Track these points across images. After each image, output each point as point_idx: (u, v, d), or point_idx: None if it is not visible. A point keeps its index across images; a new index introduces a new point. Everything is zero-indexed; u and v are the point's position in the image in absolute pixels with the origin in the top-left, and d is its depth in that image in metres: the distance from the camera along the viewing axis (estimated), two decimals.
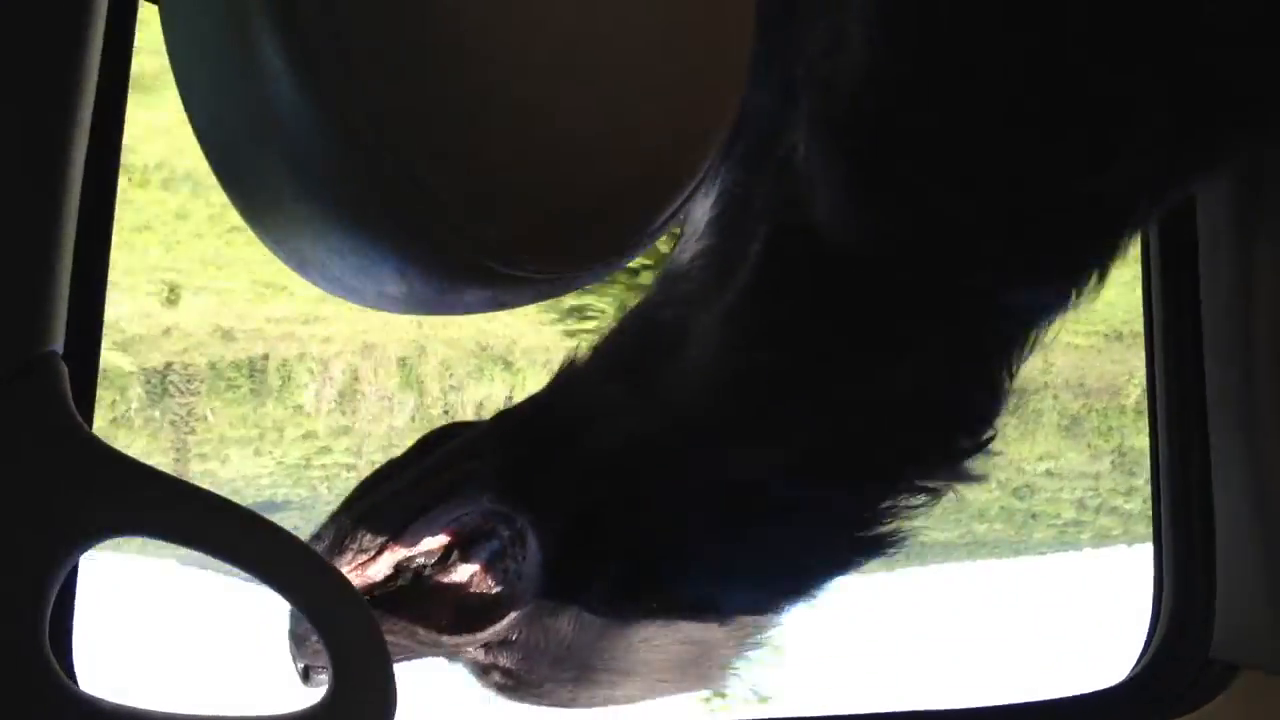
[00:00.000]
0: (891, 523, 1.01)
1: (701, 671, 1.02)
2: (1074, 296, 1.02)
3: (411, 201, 0.60)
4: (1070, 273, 1.01)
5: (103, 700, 0.78)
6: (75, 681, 0.81)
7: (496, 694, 0.99)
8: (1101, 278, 1.03)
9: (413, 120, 0.59)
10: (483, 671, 0.98)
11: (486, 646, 0.97)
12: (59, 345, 0.81)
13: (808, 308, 0.99)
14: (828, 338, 0.98)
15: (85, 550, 0.79)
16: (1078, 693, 1.32)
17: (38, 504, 0.77)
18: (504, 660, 0.97)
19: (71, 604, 1.01)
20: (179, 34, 0.66)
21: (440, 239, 0.62)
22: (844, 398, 0.99)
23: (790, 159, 1.01)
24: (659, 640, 0.99)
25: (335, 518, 0.94)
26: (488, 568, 0.92)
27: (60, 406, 0.78)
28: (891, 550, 1.02)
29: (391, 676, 0.79)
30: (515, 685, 0.98)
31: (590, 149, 0.64)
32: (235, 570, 0.79)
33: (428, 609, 0.92)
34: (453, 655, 0.97)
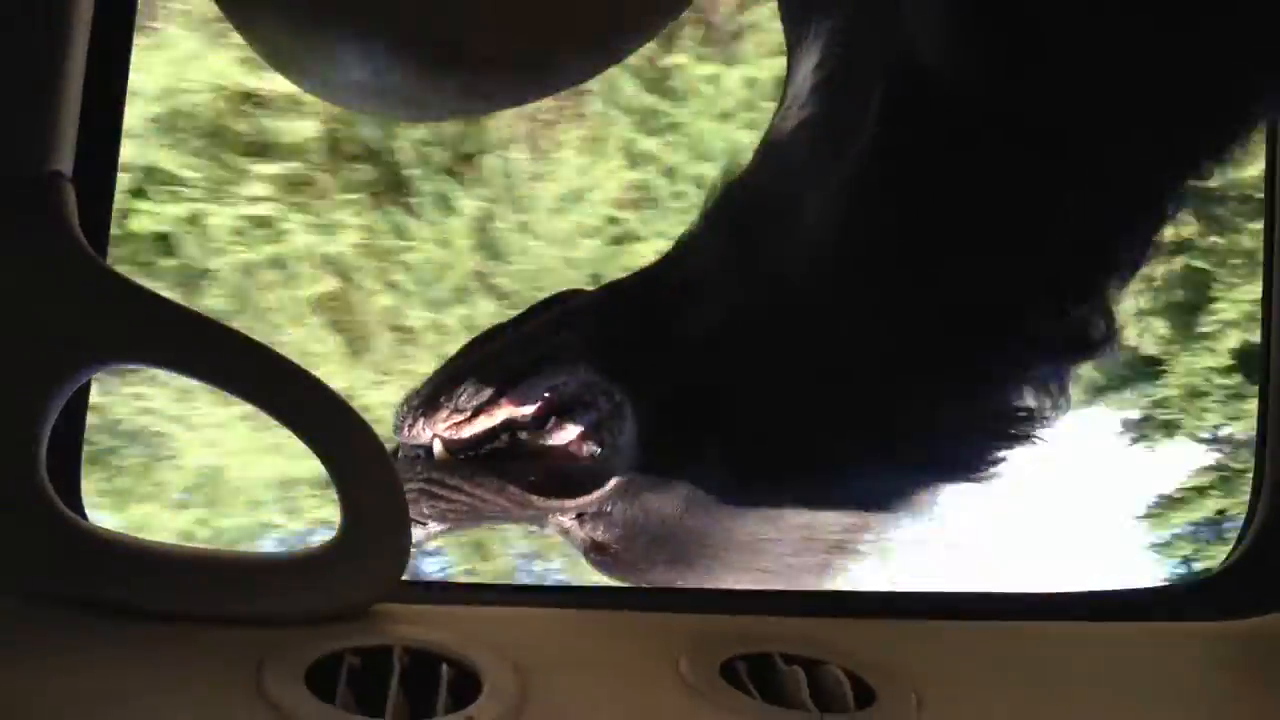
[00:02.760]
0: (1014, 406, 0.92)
1: (806, 564, 0.97)
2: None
3: None
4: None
5: (96, 528, 0.76)
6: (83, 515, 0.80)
7: (592, 567, 0.95)
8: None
9: None
10: (579, 544, 0.95)
11: (580, 518, 0.93)
12: (66, 167, 0.77)
13: (935, 161, 0.91)
14: (957, 188, 0.90)
15: (90, 374, 0.78)
16: (1167, 580, 1.23)
17: (40, 321, 0.74)
18: (599, 534, 0.93)
19: (79, 434, 0.94)
20: None
21: (405, 19, 0.64)
22: (972, 252, 0.90)
23: (894, 9, 0.93)
24: (763, 530, 0.94)
25: (434, 376, 0.91)
26: (586, 437, 0.89)
27: (63, 227, 0.75)
28: (1019, 439, 0.93)
29: (406, 519, 0.76)
30: (610, 560, 0.94)
31: None
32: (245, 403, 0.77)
33: (521, 471, 0.89)
34: (543, 521, 0.94)
